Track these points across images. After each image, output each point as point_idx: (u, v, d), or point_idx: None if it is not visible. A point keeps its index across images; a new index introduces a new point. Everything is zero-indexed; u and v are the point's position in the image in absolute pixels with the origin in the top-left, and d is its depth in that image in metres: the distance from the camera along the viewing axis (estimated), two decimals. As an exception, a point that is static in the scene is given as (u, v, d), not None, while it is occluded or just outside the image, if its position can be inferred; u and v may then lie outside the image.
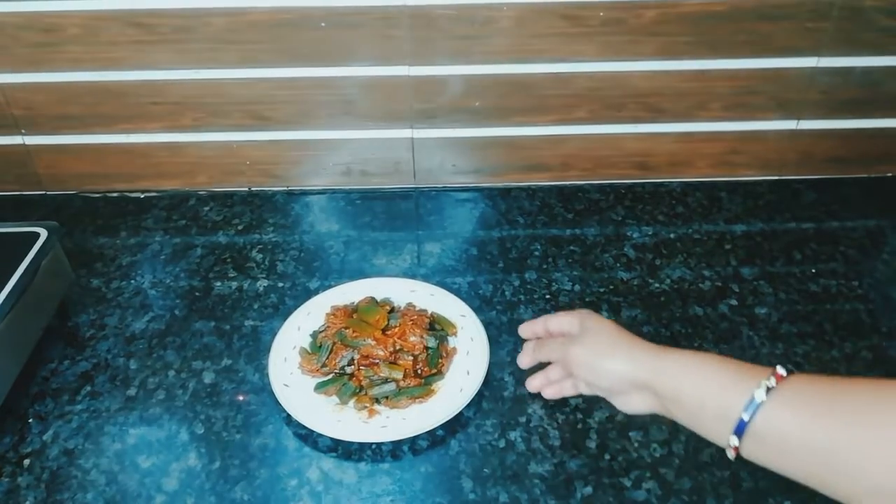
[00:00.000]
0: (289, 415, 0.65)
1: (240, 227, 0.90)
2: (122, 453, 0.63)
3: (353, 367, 0.69)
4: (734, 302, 0.77)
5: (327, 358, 0.70)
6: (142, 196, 0.95)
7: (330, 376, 0.69)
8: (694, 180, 0.96)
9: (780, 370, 0.46)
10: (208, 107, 0.88)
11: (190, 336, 0.74)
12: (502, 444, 0.63)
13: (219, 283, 0.81)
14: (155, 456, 0.63)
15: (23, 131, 0.90)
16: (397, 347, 0.70)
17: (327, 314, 0.75)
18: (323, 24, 0.82)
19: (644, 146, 0.93)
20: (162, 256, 0.85)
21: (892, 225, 0.88)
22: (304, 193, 0.96)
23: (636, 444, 0.63)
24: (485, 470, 0.61)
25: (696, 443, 0.63)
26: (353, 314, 0.74)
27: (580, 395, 0.62)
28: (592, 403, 0.66)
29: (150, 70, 0.85)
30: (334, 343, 0.71)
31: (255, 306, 0.78)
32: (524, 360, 0.66)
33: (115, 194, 0.96)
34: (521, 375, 0.65)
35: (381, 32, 0.82)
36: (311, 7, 0.80)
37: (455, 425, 0.65)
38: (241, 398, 0.68)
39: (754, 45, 0.85)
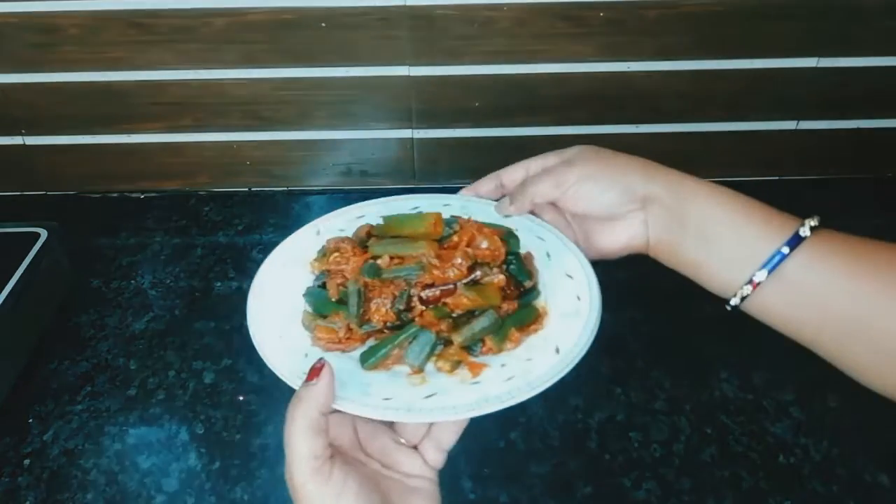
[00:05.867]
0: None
1: (240, 228, 0.90)
2: (122, 453, 0.63)
3: (411, 311, 0.46)
4: (734, 302, 0.77)
5: (360, 310, 0.46)
6: (142, 196, 0.95)
7: (374, 339, 0.46)
8: (694, 180, 0.96)
9: (815, 220, 0.44)
10: (208, 107, 0.88)
11: (190, 336, 0.74)
12: (502, 444, 0.63)
13: (219, 283, 0.81)
14: (155, 456, 0.63)
15: (23, 131, 0.90)
16: (475, 261, 0.48)
17: (313, 261, 0.52)
18: (323, 24, 0.82)
19: (644, 146, 0.93)
20: (162, 256, 0.85)
21: (892, 225, 0.88)
22: (304, 193, 0.96)
23: (636, 444, 0.63)
24: (485, 470, 0.61)
25: (697, 443, 0.63)
26: (367, 240, 0.51)
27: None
28: (592, 403, 0.66)
29: (150, 70, 0.85)
30: (364, 285, 0.47)
31: (255, 306, 0.78)
32: (483, 186, 0.55)
33: (115, 194, 0.96)
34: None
35: (381, 32, 0.82)
36: (311, 7, 0.80)
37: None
38: (241, 398, 0.68)
39: (754, 45, 0.85)
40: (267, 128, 0.90)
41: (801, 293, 0.44)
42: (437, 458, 0.46)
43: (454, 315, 0.47)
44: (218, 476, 0.61)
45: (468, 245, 0.49)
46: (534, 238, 0.53)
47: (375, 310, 0.47)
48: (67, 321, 0.76)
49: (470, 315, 0.46)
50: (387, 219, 0.53)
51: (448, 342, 0.46)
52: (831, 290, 0.43)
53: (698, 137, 0.92)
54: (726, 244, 0.46)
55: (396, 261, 0.48)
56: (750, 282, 0.45)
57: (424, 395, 0.43)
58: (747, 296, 0.45)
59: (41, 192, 0.96)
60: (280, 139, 0.92)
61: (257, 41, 0.83)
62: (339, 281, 0.49)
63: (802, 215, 0.48)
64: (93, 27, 0.81)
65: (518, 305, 0.48)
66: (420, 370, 0.45)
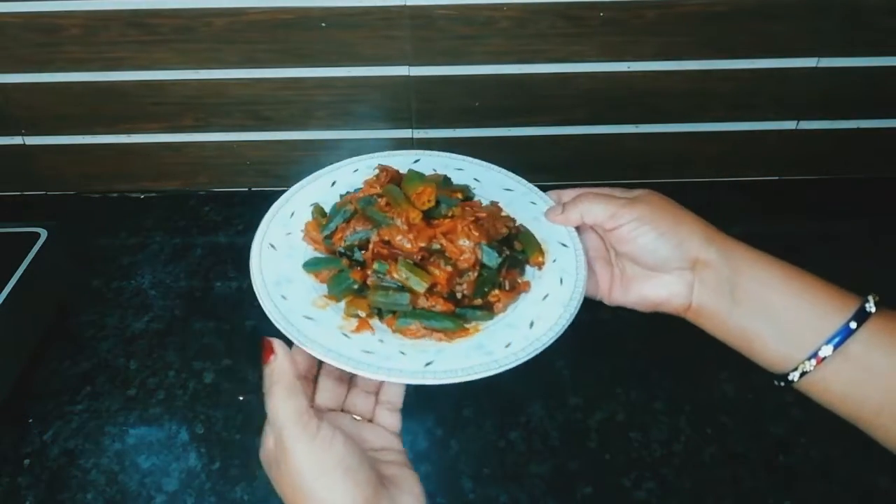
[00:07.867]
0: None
1: (240, 227, 0.90)
2: (122, 453, 0.63)
3: (364, 252, 0.49)
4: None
5: (337, 228, 0.50)
6: (142, 196, 0.95)
7: (328, 254, 0.51)
8: (694, 180, 0.96)
9: (877, 296, 0.44)
10: (208, 107, 0.88)
11: (190, 336, 0.74)
12: (502, 444, 0.63)
13: (219, 283, 0.81)
14: (155, 456, 0.63)
15: (23, 131, 0.90)
16: (435, 246, 0.48)
17: (368, 178, 0.54)
18: (323, 24, 0.82)
19: (644, 146, 0.93)
20: (162, 256, 0.85)
21: (891, 225, 0.88)
22: (304, 193, 0.96)
23: (636, 444, 0.63)
24: (485, 470, 0.61)
25: (697, 443, 0.63)
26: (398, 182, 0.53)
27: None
28: (592, 403, 0.66)
29: (150, 70, 0.85)
30: (354, 211, 0.51)
31: (256, 306, 0.77)
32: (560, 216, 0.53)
33: (115, 194, 0.96)
34: (521, 374, 0.65)
35: (381, 32, 0.82)
36: (311, 7, 0.80)
37: (455, 424, 0.65)
38: (241, 398, 0.68)
39: (754, 45, 0.85)
40: (267, 128, 0.90)
41: (864, 371, 0.43)
42: (392, 421, 0.47)
43: (386, 277, 0.47)
44: (218, 476, 0.61)
45: (446, 232, 0.48)
46: (556, 268, 0.50)
47: (339, 233, 0.50)
48: (67, 321, 0.76)
49: (400, 288, 0.47)
50: (413, 172, 0.53)
51: (364, 295, 0.48)
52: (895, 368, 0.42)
53: (698, 137, 0.92)
54: (786, 317, 0.45)
55: (388, 207, 0.50)
56: (814, 356, 0.43)
57: (364, 349, 0.44)
58: (808, 371, 0.44)
59: (41, 192, 0.96)
60: (280, 139, 0.92)
61: (257, 41, 0.83)
62: (349, 197, 0.53)
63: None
64: (93, 27, 0.81)
65: (451, 311, 0.46)
66: (334, 299, 0.48)
